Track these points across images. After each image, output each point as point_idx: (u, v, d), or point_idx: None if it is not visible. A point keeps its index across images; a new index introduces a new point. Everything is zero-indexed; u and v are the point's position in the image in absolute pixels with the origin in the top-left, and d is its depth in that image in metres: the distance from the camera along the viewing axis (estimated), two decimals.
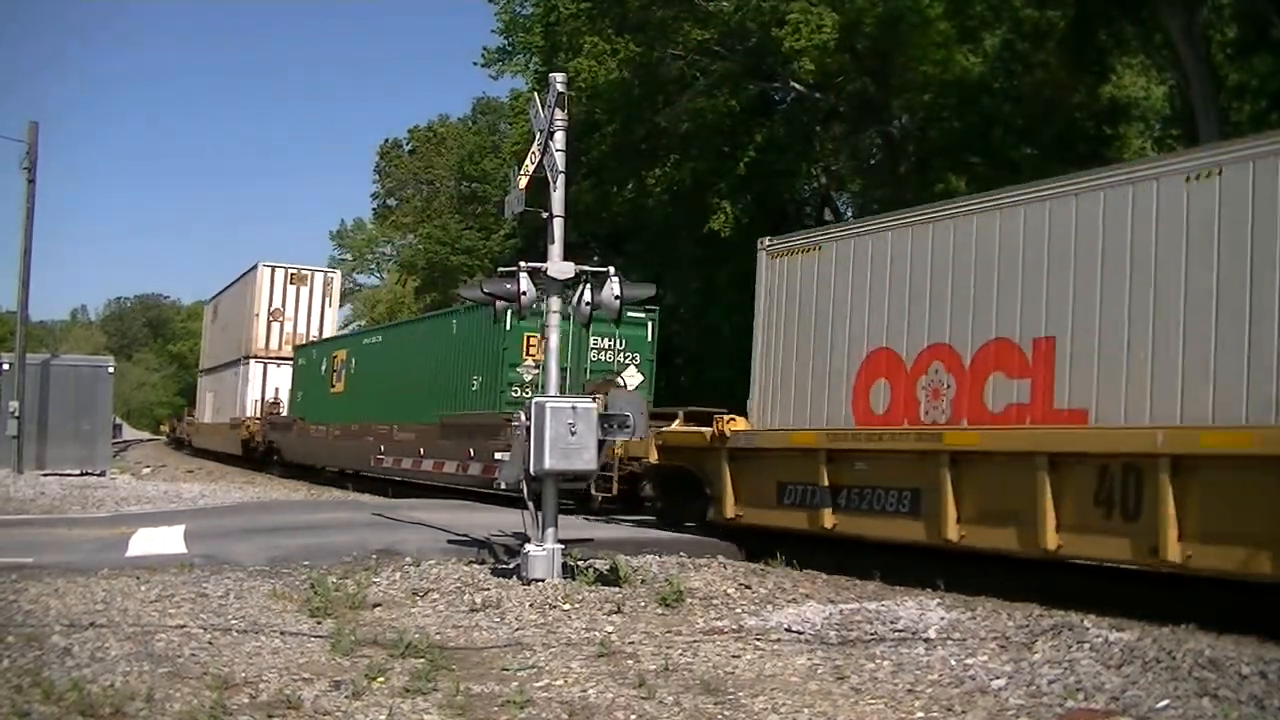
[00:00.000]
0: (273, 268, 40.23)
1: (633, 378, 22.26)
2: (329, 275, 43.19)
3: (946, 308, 12.40)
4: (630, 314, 20.69)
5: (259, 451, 36.57)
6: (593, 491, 17.66)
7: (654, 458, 16.25)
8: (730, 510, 14.58)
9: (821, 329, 14.04)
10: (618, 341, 22.44)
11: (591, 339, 21.26)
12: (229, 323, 44.67)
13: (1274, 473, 8.92)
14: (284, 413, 35.79)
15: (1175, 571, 9.71)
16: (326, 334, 39.11)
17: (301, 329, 39.46)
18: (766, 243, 15.39)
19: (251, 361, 39.45)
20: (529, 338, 21.41)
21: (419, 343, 26.94)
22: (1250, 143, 10.06)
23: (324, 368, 32.28)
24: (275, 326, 39.51)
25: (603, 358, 22.33)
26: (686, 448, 15.67)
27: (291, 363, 36.46)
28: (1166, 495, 9.51)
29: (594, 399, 11.17)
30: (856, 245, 13.83)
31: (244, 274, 42.74)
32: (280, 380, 37.82)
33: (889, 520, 12.42)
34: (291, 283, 40.13)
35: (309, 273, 41.46)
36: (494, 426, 20.15)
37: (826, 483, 13.07)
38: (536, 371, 19.86)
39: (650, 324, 23.20)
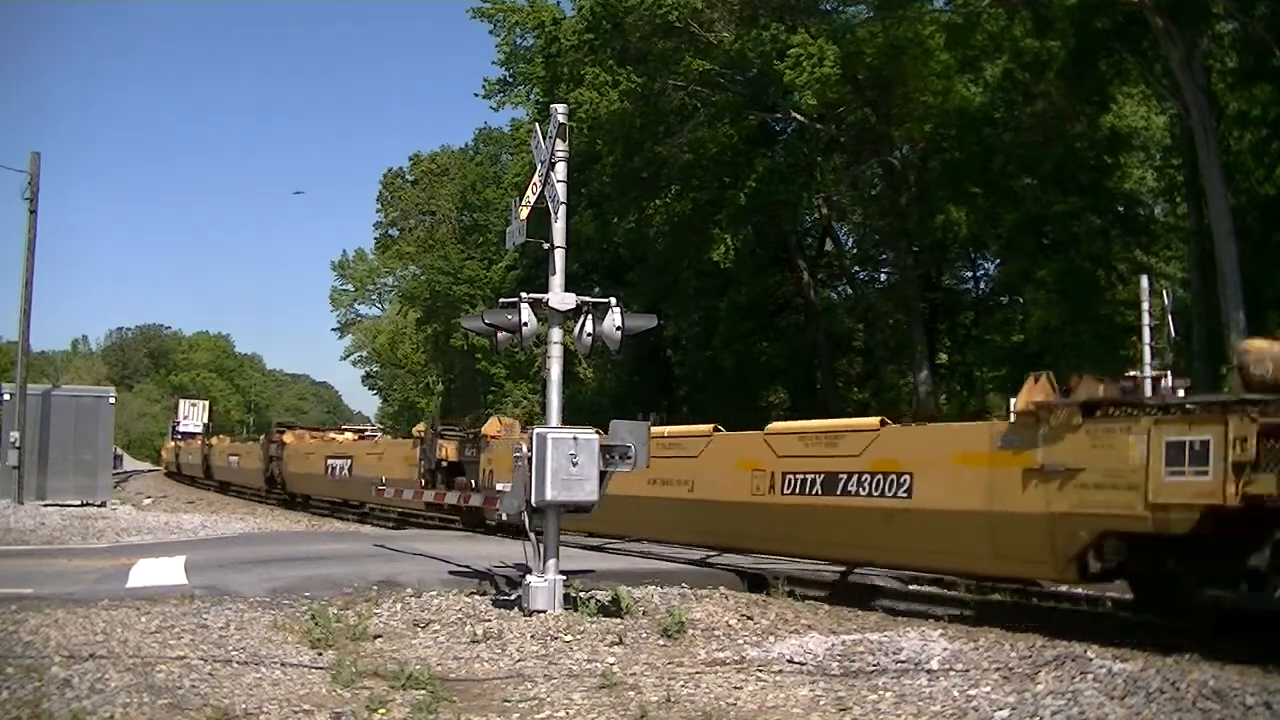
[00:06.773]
0: (182, 399, 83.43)
1: None
2: (205, 401, 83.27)
3: None
4: None
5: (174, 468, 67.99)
6: None
7: None
8: None
9: None
10: None
11: None
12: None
13: None
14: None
15: None
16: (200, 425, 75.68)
17: (194, 423, 73.98)
18: None
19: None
20: None
21: None
22: None
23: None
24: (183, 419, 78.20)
25: None
26: None
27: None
28: None
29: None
30: None
31: (173, 402, 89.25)
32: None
33: None
34: (192, 404, 79.36)
35: (200, 401, 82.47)
36: None
37: None
38: None
39: None
